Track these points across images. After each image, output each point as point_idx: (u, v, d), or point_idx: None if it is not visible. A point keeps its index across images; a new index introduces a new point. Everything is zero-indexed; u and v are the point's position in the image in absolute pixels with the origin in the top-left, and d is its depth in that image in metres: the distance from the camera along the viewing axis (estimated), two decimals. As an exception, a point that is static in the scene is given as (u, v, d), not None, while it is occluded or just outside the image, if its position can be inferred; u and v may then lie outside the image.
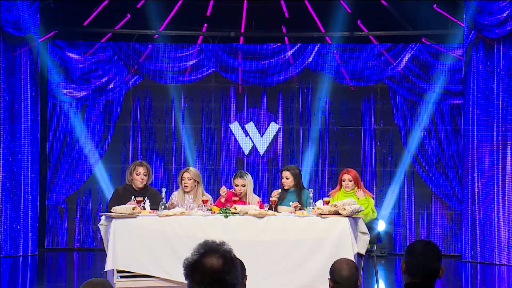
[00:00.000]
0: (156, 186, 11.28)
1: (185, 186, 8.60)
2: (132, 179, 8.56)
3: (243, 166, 13.11)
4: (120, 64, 13.14)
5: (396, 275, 11.01)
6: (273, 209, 8.33)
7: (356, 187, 8.71)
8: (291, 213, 8.24)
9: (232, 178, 8.77)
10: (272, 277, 7.89)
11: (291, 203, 8.48)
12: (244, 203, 8.55)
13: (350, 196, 8.53)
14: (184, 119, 13.22)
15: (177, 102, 13.22)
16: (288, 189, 8.74)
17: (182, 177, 8.65)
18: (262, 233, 8.00)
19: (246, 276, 3.98)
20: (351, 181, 8.70)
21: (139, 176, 8.54)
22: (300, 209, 8.32)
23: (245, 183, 8.61)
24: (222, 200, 8.64)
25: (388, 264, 12.08)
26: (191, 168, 8.79)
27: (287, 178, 8.70)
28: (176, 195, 8.69)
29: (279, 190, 8.78)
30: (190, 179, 8.59)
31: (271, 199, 8.52)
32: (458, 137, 12.76)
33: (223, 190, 8.73)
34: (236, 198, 8.39)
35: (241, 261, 3.99)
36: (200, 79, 13.28)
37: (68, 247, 13.05)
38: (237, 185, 8.61)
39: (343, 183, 8.74)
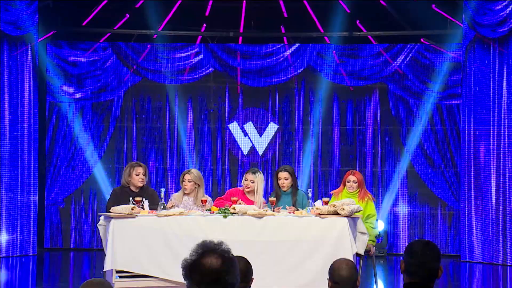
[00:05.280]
0: (154, 186, 11.27)
1: (184, 187, 8.62)
2: (130, 180, 8.56)
3: (242, 166, 13.11)
4: (119, 64, 13.14)
5: (395, 275, 11.01)
6: (273, 209, 8.33)
7: (358, 190, 8.70)
8: (290, 213, 8.24)
9: (245, 173, 8.81)
10: (271, 277, 7.89)
11: (287, 206, 8.47)
12: (251, 201, 8.55)
13: (353, 198, 8.53)
14: (183, 119, 13.22)
15: (176, 103, 13.22)
16: (285, 190, 8.72)
17: (183, 178, 8.66)
18: (261, 233, 8.01)
19: (253, 279, 3.98)
20: (355, 182, 8.69)
21: (139, 176, 8.55)
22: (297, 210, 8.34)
23: (255, 179, 8.65)
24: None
25: (387, 264, 12.08)
26: (192, 170, 8.79)
27: (286, 179, 8.69)
28: (175, 196, 8.70)
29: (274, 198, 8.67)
30: (190, 181, 8.60)
31: (270, 199, 8.52)
32: (457, 137, 12.77)
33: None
34: (235, 198, 8.39)
35: (249, 263, 3.98)
36: (199, 79, 13.27)
37: (67, 247, 13.04)
38: (246, 180, 8.67)
39: (347, 183, 8.72)
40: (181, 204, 8.53)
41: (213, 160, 13.26)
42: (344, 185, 8.80)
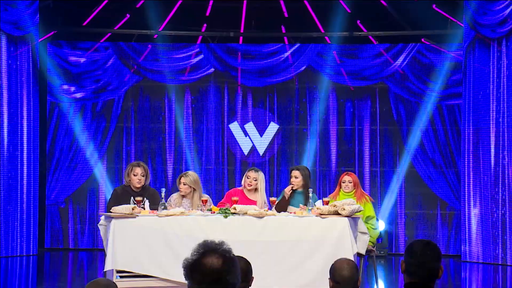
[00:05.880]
0: (154, 186, 11.27)
1: (180, 190, 8.62)
2: (130, 180, 8.58)
3: (243, 166, 13.10)
4: (119, 64, 13.14)
5: (396, 275, 11.01)
6: (277, 209, 8.34)
7: (354, 190, 8.73)
8: (290, 213, 8.25)
9: (246, 171, 8.83)
10: (271, 277, 7.89)
11: (301, 205, 8.50)
12: (253, 202, 8.56)
13: (349, 197, 8.55)
14: (183, 119, 13.22)
15: (177, 102, 13.22)
16: (296, 189, 8.76)
17: (179, 180, 8.66)
18: (261, 233, 8.01)
19: (253, 278, 3.97)
20: (351, 182, 8.74)
21: (137, 176, 8.55)
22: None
23: (257, 177, 8.67)
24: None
25: (388, 264, 12.09)
26: (189, 173, 8.76)
27: (296, 178, 8.76)
28: (174, 197, 8.70)
29: (290, 187, 8.80)
30: (186, 185, 8.59)
31: (271, 199, 8.54)
32: (457, 137, 12.77)
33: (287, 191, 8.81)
34: (235, 198, 8.40)
35: (248, 262, 3.98)
36: (199, 79, 13.28)
37: (68, 247, 13.05)
38: (248, 177, 8.68)
39: (343, 184, 8.77)
40: (180, 206, 8.53)
41: (213, 160, 13.26)
42: (340, 186, 8.83)
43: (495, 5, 11.56)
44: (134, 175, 8.56)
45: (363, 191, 8.91)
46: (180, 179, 8.66)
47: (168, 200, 8.67)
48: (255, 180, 8.70)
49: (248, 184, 8.71)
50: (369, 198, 8.81)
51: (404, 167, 13.01)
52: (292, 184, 8.80)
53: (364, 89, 13.20)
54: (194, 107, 13.30)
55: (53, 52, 13.01)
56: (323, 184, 13.13)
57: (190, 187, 8.59)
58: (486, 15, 11.65)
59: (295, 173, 8.80)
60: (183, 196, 8.65)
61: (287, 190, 8.78)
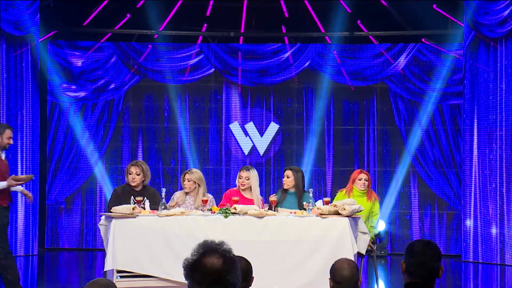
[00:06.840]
0: (154, 186, 11.27)
1: (184, 186, 8.64)
2: (127, 179, 8.61)
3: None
4: (120, 64, 13.14)
5: (396, 275, 11.01)
6: (273, 209, 8.33)
7: (367, 189, 8.76)
8: (290, 213, 8.25)
9: (239, 171, 8.83)
10: (271, 277, 7.88)
11: (304, 203, 8.47)
12: (250, 200, 8.55)
13: (362, 197, 8.57)
14: (183, 119, 13.22)
15: (177, 102, 13.22)
16: (287, 189, 8.75)
17: (184, 177, 8.69)
18: (262, 233, 8.00)
19: (253, 278, 3.97)
20: (367, 181, 8.74)
21: (131, 175, 8.56)
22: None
23: (249, 176, 8.69)
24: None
25: (388, 264, 12.09)
26: (193, 170, 8.80)
27: (288, 177, 8.75)
28: (177, 195, 8.72)
29: (274, 195, 8.75)
30: (190, 181, 8.61)
31: (270, 199, 8.53)
32: (458, 137, 12.77)
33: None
34: (236, 198, 8.40)
35: (249, 262, 3.98)
36: (200, 79, 13.28)
37: (68, 247, 13.05)
38: (241, 177, 8.69)
39: (359, 181, 8.70)
40: (184, 204, 8.55)
41: (213, 160, 13.26)
42: (353, 183, 8.79)
43: (496, 5, 11.56)
44: (130, 174, 8.57)
45: (371, 189, 8.92)
46: (184, 175, 8.69)
47: (172, 198, 8.69)
48: (247, 179, 8.71)
49: (241, 184, 8.72)
50: (377, 196, 8.84)
51: (404, 167, 13.01)
52: (283, 184, 8.79)
53: (364, 89, 13.20)
54: (194, 107, 13.30)
55: (54, 52, 13.01)
56: (324, 184, 13.13)
57: (195, 183, 8.61)
58: (486, 15, 11.65)
59: (288, 172, 8.81)
60: (186, 193, 8.66)
61: (271, 200, 8.69)
